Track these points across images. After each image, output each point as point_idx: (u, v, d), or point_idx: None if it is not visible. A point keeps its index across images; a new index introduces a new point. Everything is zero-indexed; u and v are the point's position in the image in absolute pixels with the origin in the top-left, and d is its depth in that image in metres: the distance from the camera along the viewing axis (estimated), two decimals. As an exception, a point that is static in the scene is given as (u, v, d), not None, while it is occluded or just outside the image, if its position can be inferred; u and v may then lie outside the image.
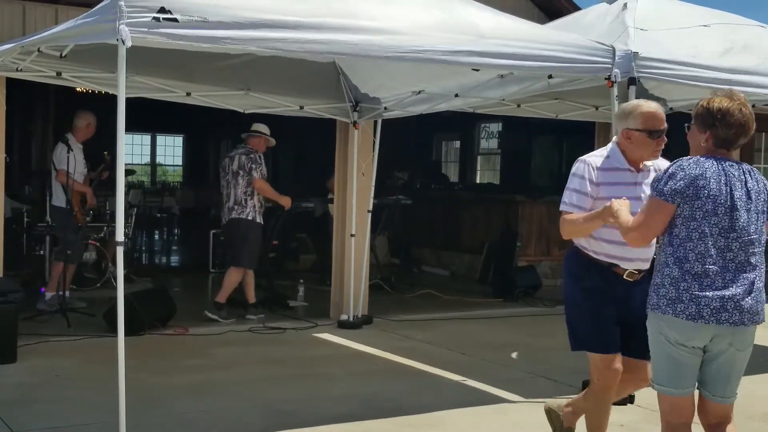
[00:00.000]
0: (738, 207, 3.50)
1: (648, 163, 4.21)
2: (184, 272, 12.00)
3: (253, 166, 8.22)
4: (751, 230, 3.52)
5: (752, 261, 3.51)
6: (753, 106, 8.14)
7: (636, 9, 6.66)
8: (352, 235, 8.51)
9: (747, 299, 3.48)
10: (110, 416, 4.54)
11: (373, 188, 8.61)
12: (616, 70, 5.74)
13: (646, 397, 5.78)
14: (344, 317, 8.39)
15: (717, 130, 3.56)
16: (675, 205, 3.52)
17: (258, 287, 9.42)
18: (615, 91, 5.80)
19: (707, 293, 3.45)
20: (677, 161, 3.59)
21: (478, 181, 16.82)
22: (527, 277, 10.61)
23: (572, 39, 5.93)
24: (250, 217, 8.23)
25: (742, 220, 3.50)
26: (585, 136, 11.53)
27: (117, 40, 4.25)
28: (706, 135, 3.59)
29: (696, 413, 3.72)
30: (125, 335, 4.46)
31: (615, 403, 5.71)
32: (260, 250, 8.63)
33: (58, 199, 8.40)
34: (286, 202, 8.61)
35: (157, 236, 13.93)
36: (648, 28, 6.34)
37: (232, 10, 4.57)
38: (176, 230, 15.01)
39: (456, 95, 7.28)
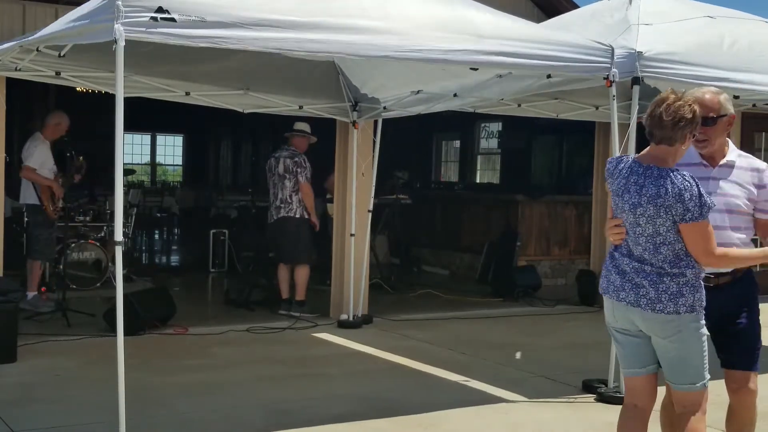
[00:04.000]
0: (625, 209, 3.63)
1: (734, 158, 3.98)
2: (184, 272, 11.99)
3: (299, 170, 8.63)
4: (638, 231, 3.60)
5: (645, 257, 3.59)
6: (753, 105, 8.10)
7: (640, 6, 6.54)
8: (352, 235, 8.51)
9: (640, 285, 3.58)
10: (110, 416, 4.53)
11: (373, 188, 8.61)
12: (615, 69, 5.69)
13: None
14: (344, 317, 8.39)
15: None
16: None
17: (258, 287, 9.45)
18: (614, 90, 5.77)
19: (612, 272, 3.72)
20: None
21: (478, 180, 16.80)
22: (527, 276, 10.60)
23: (570, 38, 5.90)
24: (297, 215, 8.66)
25: (633, 219, 3.61)
26: (585, 135, 11.54)
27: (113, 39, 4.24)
28: None
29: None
30: (125, 335, 4.46)
31: (615, 403, 5.74)
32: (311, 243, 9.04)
33: (29, 195, 8.32)
34: (315, 221, 8.82)
35: (156, 236, 13.93)
36: (653, 25, 6.23)
37: (229, 10, 4.55)
38: (176, 230, 15.02)
39: (455, 95, 7.27)
